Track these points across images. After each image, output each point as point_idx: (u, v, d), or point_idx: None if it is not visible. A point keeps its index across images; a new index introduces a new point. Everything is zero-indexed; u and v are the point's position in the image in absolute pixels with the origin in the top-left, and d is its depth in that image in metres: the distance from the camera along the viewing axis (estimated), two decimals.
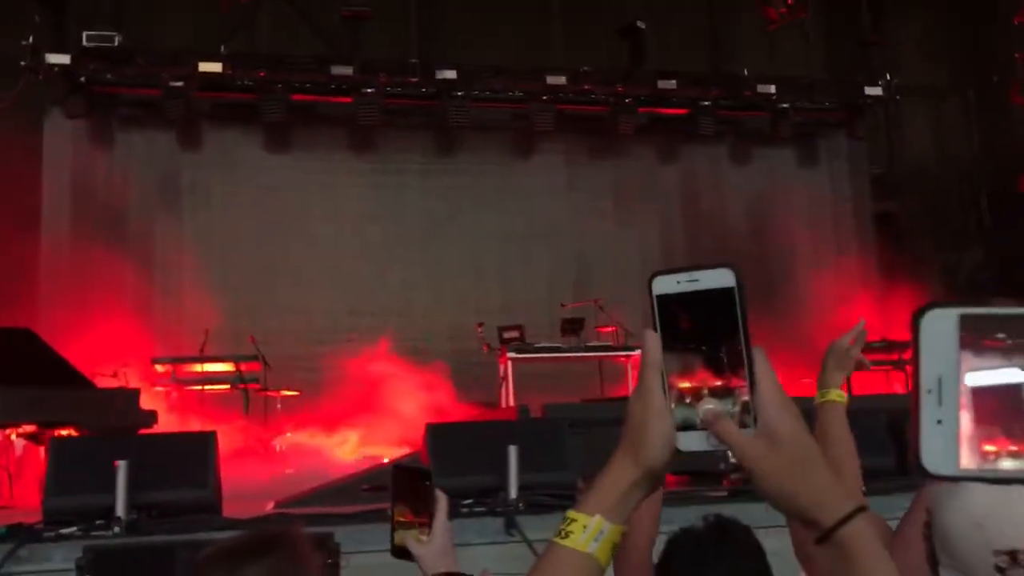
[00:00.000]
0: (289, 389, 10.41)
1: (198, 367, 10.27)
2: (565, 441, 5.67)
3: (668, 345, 0.92)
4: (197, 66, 11.13)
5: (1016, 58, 12.39)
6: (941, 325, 0.64)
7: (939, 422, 0.63)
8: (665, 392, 0.92)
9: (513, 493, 5.11)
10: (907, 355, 8.93)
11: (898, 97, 12.89)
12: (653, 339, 0.92)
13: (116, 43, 11.00)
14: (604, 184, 12.67)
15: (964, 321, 0.63)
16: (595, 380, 10.62)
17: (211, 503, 4.96)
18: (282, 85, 11.32)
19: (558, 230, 12.31)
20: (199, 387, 10.26)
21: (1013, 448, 0.62)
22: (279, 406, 10.25)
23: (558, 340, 10.30)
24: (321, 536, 3.76)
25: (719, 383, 0.91)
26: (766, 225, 12.51)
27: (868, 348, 8.38)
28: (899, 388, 11.05)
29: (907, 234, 13.18)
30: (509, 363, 10.07)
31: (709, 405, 0.90)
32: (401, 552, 1.75)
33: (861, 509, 0.88)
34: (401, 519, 1.77)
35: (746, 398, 0.89)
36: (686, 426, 0.92)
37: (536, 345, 10.23)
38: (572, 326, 10.32)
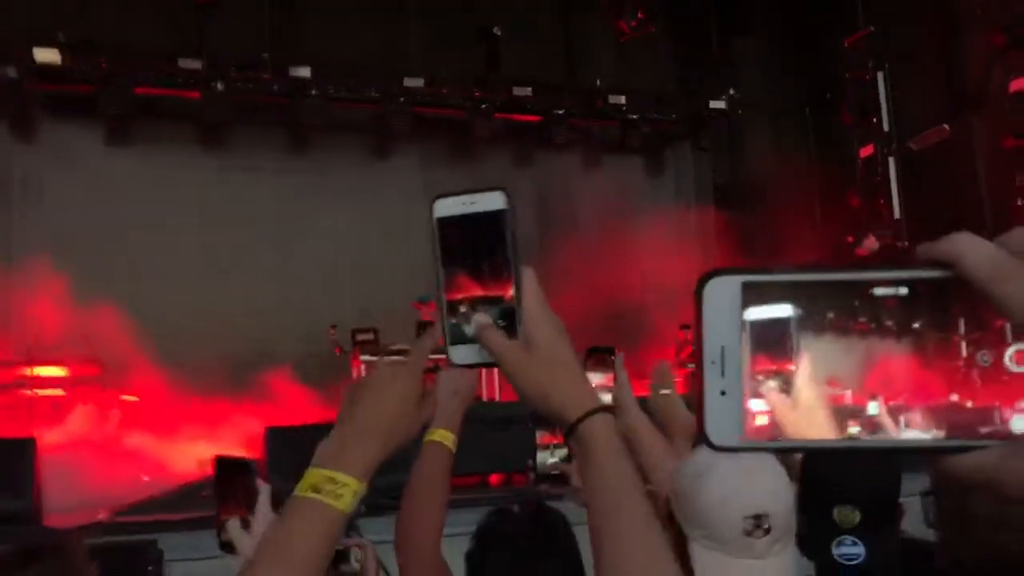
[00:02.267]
0: (128, 393, 9.97)
1: (27, 370, 9.69)
2: (412, 442, 5.68)
3: (447, 262, 0.99)
4: (32, 53, 10.50)
5: (846, 78, 13.22)
6: (724, 293, 0.61)
7: (723, 393, 0.61)
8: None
9: None
10: None
11: (740, 111, 13.55)
12: (430, 337, 1.07)
13: None
14: (459, 188, 12.67)
15: (747, 288, 0.61)
16: None
17: (29, 513, 4.71)
18: (125, 78, 10.83)
19: (414, 233, 12.27)
20: (29, 391, 9.68)
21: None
22: (116, 412, 9.80)
23: (413, 342, 10.25)
24: (141, 544, 3.64)
25: (491, 297, 0.98)
26: (615, 231, 12.87)
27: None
28: None
29: (748, 242, 13.83)
30: (363, 366, 9.99)
31: (480, 318, 0.98)
32: (227, 546, 1.75)
33: (603, 409, 0.97)
34: (226, 513, 1.76)
35: (513, 309, 0.97)
36: (459, 340, 0.99)
37: (390, 348, 10.17)
38: (426, 328, 10.30)
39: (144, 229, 11.21)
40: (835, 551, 1.76)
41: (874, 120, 12.94)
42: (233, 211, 11.69)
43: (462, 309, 0.99)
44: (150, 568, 3.72)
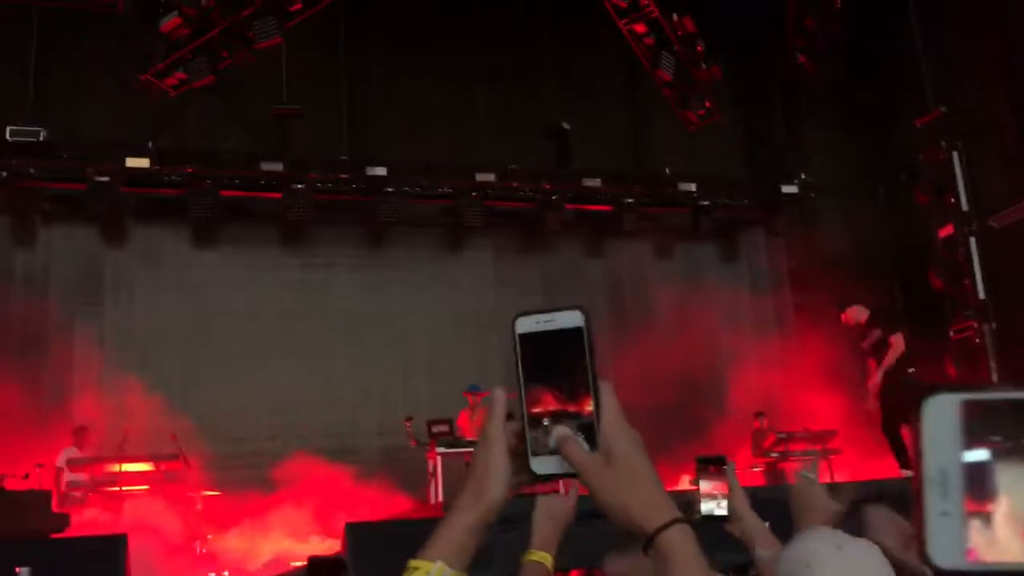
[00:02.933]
0: (210, 489, 10.11)
1: (116, 467, 9.91)
2: (492, 539, 5.63)
3: (528, 378, 1.03)
4: (124, 161, 11.10)
5: (919, 159, 13.09)
6: (943, 412, 0.61)
7: (944, 514, 0.60)
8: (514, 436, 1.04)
9: None
10: (830, 444, 9.09)
11: (812, 195, 13.47)
12: (499, 395, 1.05)
13: (41, 138, 10.93)
14: (532, 278, 12.84)
15: (966, 407, 0.61)
16: None
17: None
18: (211, 181, 11.32)
19: (486, 324, 12.38)
20: (117, 488, 9.88)
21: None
22: (199, 507, 9.92)
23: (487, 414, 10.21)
24: None
25: (571, 411, 1.02)
26: (689, 318, 12.78)
27: (791, 438, 8.51)
28: (824, 477, 11.22)
29: (825, 326, 13.56)
30: (438, 458, 9.96)
31: (561, 431, 1.02)
32: None
33: (679, 520, 0.99)
34: None
35: (591, 423, 1.01)
36: (540, 452, 1.03)
37: (465, 440, 10.16)
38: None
39: (225, 328, 11.55)
40: None
41: (951, 200, 12.73)
42: (311, 308, 11.96)
43: (543, 422, 1.03)
44: None
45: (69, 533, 7.74)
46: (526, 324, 1.05)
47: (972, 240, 12.52)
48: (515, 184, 12.41)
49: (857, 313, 10.02)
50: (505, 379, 1.07)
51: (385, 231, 12.32)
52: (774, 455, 11.27)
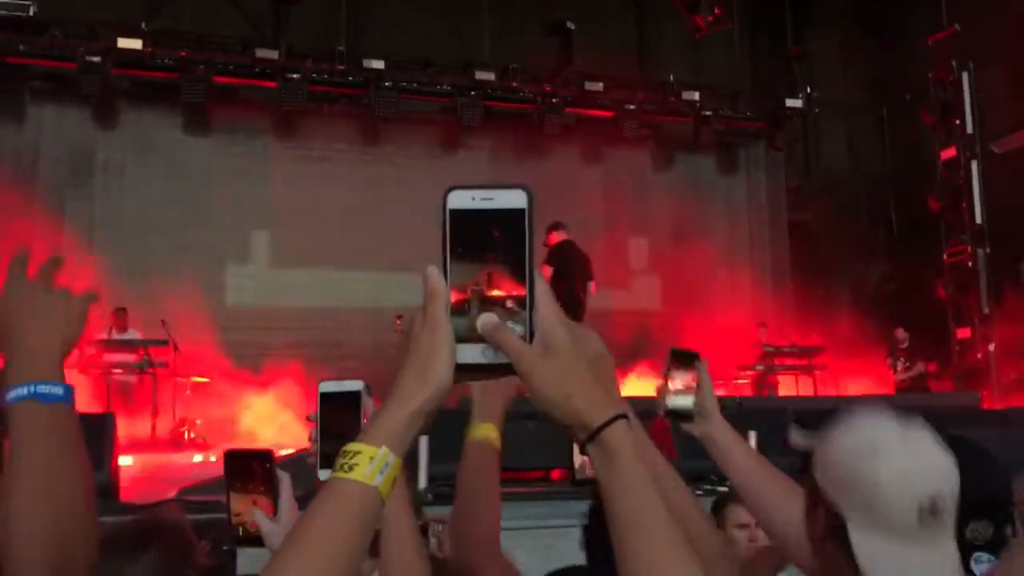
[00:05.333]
0: (200, 376, 10.18)
1: (104, 352, 9.94)
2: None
3: (456, 258, 0.95)
4: (116, 41, 10.80)
5: (929, 78, 12.85)
6: None
7: None
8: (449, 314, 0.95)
9: (423, 483, 5.11)
10: (816, 360, 9.19)
11: (817, 110, 13.26)
12: (435, 272, 0.94)
13: (31, 12, 10.60)
14: (528, 181, 12.65)
15: None
16: None
17: (107, 487, 4.83)
18: (204, 66, 11.05)
19: None
20: (105, 372, 9.94)
21: None
22: (189, 392, 10.01)
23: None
24: (210, 522, 3.67)
25: (501, 299, 0.94)
26: (685, 229, 12.71)
27: (780, 352, 8.58)
28: (807, 391, 11.38)
29: (819, 244, 13.54)
30: None
31: (490, 317, 0.93)
32: (245, 540, 1.71)
33: (623, 416, 0.96)
34: (241, 509, 1.72)
35: (524, 313, 0.93)
36: (463, 338, 0.94)
37: None
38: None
39: (216, 215, 11.47)
40: (976, 569, 1.65)
41: (957, 122, 12.56)
42: (304, 200, 11.84)
43: (470, 307, 0.94)
44: (224, 548, 3.75)
45: None
46: (461, 199, 0.95)
47: (974, 164, 12.40)
48: (515, 85, 12.15)
49: None
50: None
51: (380, 126, 12.11)
52: (760, 368, 11.39)
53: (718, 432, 1.83)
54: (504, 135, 12.63)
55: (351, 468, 0.93)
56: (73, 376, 8.80)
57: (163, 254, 11.07)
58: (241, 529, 1.68)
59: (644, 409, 1.57)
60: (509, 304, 0.94)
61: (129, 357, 9.92)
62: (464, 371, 0.96)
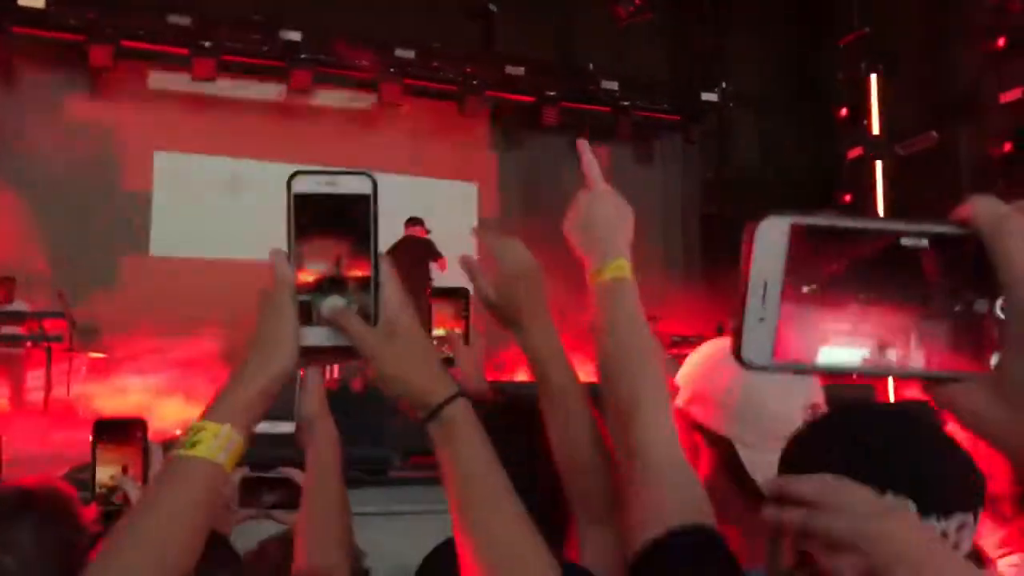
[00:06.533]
0: (97, 351, 9.82)
1: None
2: (383, 417, 5.65)
3: (302, 241, 0.98)
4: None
5: (838, 78, 13.23)
6: (773, 232, 0.68)
7: (761, 320, 0.68)
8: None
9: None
10: None
11: (731, 104, 13.51)
12: (280, 257, 0.98)
13: None
14: (447, 164, 12.62)
15: (794, 229, 0.68)
16: None
17: None
18: (112, 29, 10.63)
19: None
20: None
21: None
22: (84, 369, 9.64)
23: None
24: None
25: (345, 281, 0.98)
26: None
27: (686, 341, 8.71)
28: None
29: (731, 237, 13.81)
30: None
31: (334, 301, 0.97)
32: (107, 515, 1.65)
33: (461, 395, 1.01)
34: (107, 482, 1.66)
35: (370, 296, 0.98)
36: (309, 321, 0.99)
37: None
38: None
39: (127, 186, 11.10)
40: None
41: (864, 123, 12.96)
42: (214, 177, 11.55)
43: (315, 290, 0.98)
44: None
45: None
46: (305, 183, 0.97)
47: (878, 164, 12.82)
48: (436, 64, 12.03)
49: None
50: None
51: (296, 101, 11.85)
52: (666, 357, 11.58)
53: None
54: (424, 115, 12.49)
55: (195, 445, 0.95)
56: None
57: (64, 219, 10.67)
58: (104, 501, 1.62)
59: None
60: (355, 287, 0.98)
61: (16, 330, 9.46)
62: (309, 354, 1.00)
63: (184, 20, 10.89)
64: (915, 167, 12.32)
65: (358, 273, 0.98)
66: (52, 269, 10.21)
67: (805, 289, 0.68)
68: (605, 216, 1.44)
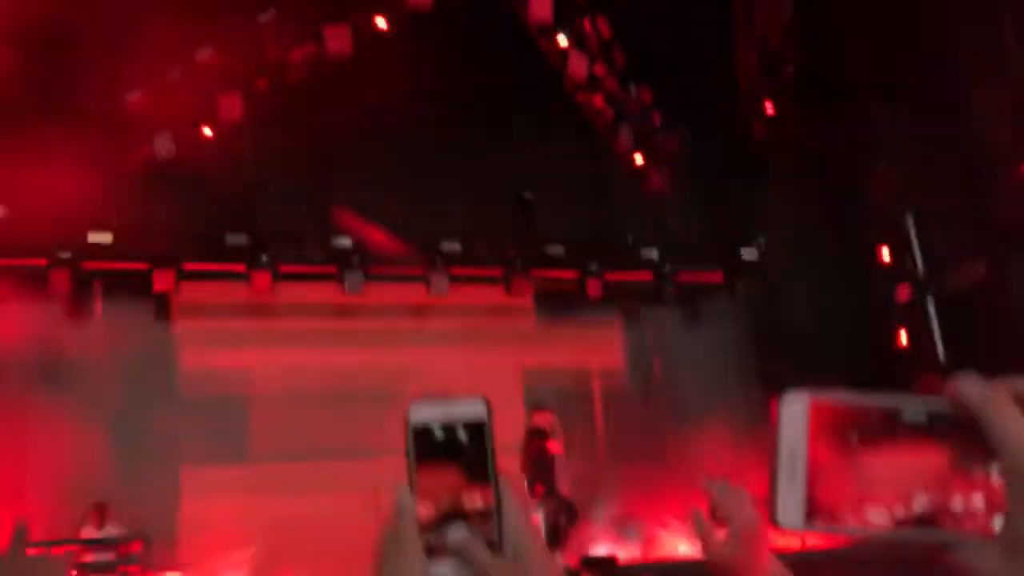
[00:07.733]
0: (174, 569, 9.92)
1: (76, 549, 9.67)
2: None
3: (422, 472, 0.96)
4: (86, 236, 11.09)
5: (876, 221, 13.33)
6: (796, 406, 0.79)
7: (791, 486, 0.76)
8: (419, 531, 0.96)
9: None
10: None
11: (770, 259, 13.65)
12: (403, 489, 0.96)
13: None
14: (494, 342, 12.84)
15: (813, 404, 0.78)
16: None
17: None
18: (174, 255, 11.33)
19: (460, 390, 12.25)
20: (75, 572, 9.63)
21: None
22: None
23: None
24: None
25: (468, 509, 0.96)
26: (657, 385, 12.84)
27: None
28: None
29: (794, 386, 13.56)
30: None
31: (459, 532, 0.95)
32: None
33: None
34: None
35: (494, 522, 0.95)
36: (436, 554, 0.96)
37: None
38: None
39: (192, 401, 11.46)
40: None
41: (907, 262, 12.96)
42: (282, 375, 11.90)
43: (439, 521, 0.96)
44: None
45: None
46: (421, 414, 0.97)
47: (929, 302, 12.71)
48: (479, 254, 12.49)
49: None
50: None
51: (352, 303, 12.32)
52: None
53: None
54: (472, 302, 12.84)
55: None
56: None
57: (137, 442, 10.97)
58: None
59: None
60: (476, 516, 0.95)
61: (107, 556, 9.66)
62: None
63: (240, 239, 11.56)
64: (971, 301, 12.17)
65: (479, 501, 0.95)
66: (120, 487, 10.43)
67: (829, 457, 0.77)
68: None
